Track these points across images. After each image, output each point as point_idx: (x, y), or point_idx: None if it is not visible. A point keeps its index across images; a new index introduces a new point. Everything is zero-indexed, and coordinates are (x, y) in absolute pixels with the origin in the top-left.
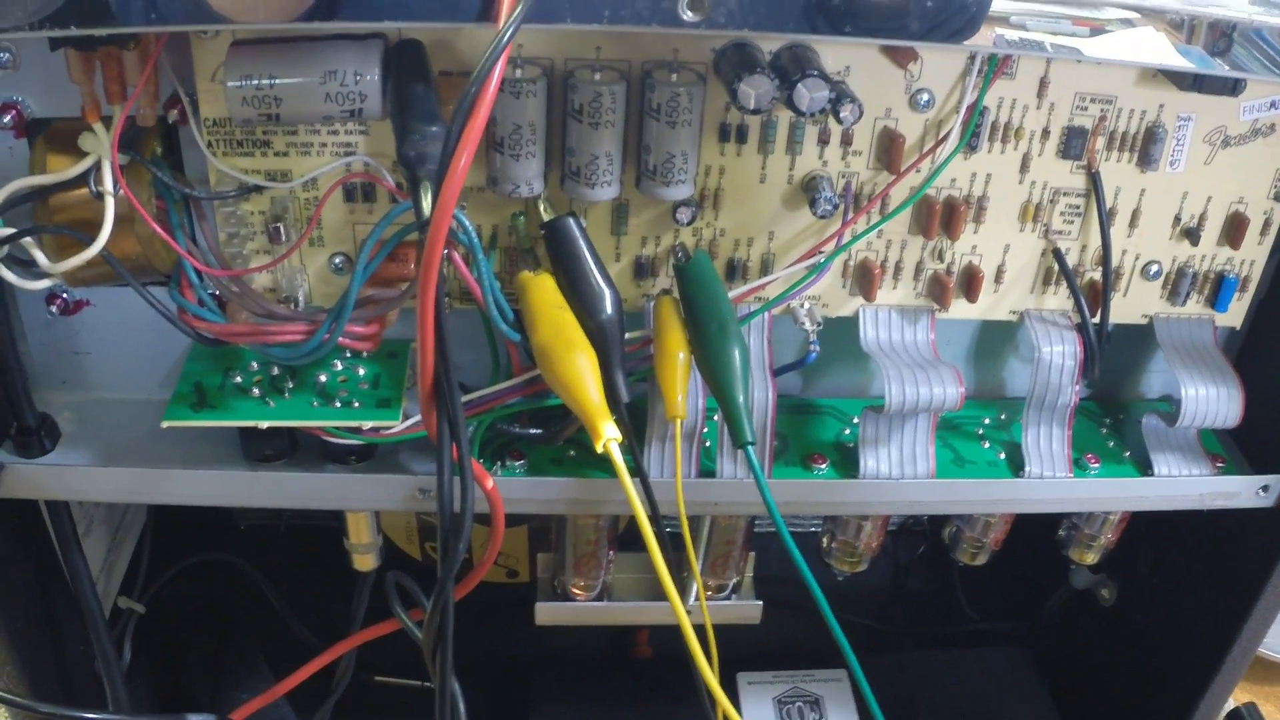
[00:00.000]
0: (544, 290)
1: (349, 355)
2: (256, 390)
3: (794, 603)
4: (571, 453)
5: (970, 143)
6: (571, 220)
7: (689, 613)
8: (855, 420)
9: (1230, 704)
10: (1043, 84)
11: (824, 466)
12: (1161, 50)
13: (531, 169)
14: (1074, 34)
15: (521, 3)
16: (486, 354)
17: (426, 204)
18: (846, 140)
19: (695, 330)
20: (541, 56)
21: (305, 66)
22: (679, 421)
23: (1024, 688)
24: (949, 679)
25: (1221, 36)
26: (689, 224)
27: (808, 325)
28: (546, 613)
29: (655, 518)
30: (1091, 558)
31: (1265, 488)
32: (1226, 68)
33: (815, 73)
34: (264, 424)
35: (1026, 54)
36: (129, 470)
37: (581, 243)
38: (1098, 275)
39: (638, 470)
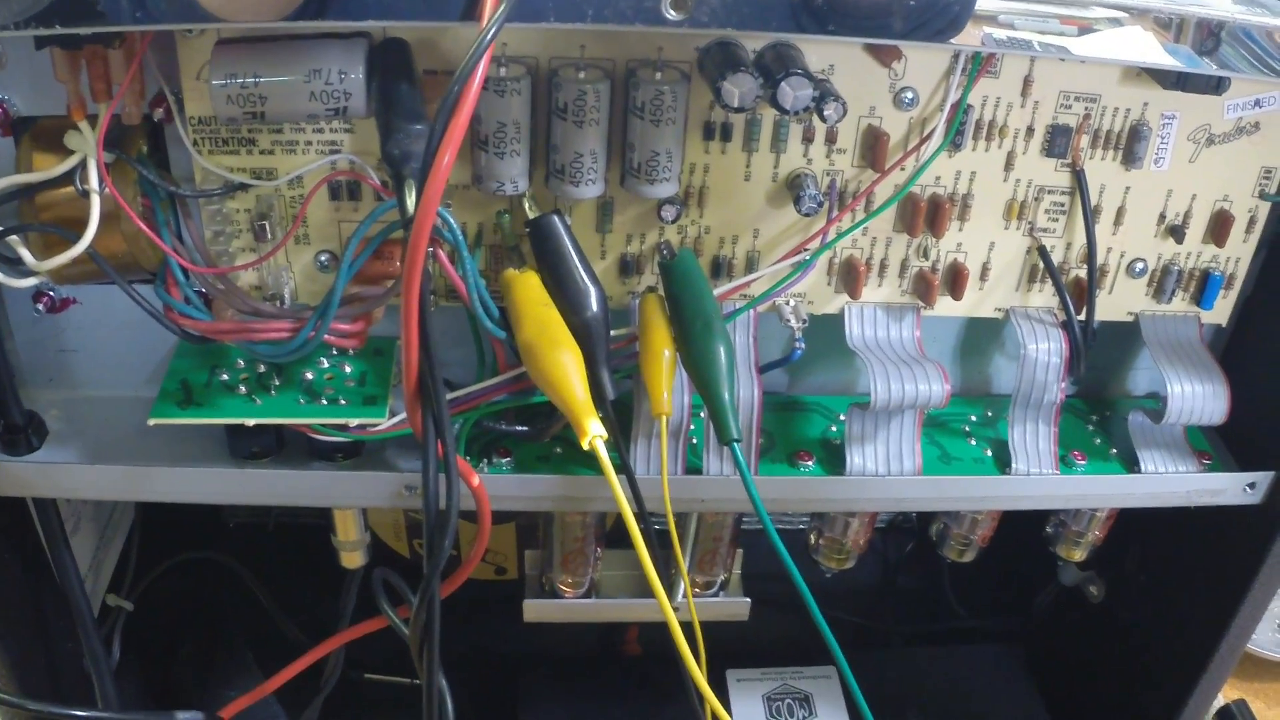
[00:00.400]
0: (529, 288)
1: (335, 353)
2: (243, 388)
3: (783, 600)
4: (558, 450)
5: (954, 141)
6: (556, 218)
7: (676, 610)
8: (841, 417)
9: (1220, 700)
10: (1027, 82)
11: (810, 463)
12: (1149, 49)
13: (516, 167)
14: (1062, 33)
15: (505, 2)
16: (472, 351)
17: (410, 201)
18: (831, 138)
19: (680, 327)
20: (526, 55)
21: (290, 65)
22: (665, 419)
23: (1013, 684)
24: (938, 676)
25: (1209, 36)
26: (674, 221)
27: (793, 322)
28: (534, 610)
29: (642, 514)
30: (1079, 554)
31: (1252, 484)
32: (1214, 66)
33: (799, 71)
34: (250, 421)
35: (1011, 52)
36: (116, 468)
37: (566, 240)
38: (1083, 273)
39: (624, 467)
